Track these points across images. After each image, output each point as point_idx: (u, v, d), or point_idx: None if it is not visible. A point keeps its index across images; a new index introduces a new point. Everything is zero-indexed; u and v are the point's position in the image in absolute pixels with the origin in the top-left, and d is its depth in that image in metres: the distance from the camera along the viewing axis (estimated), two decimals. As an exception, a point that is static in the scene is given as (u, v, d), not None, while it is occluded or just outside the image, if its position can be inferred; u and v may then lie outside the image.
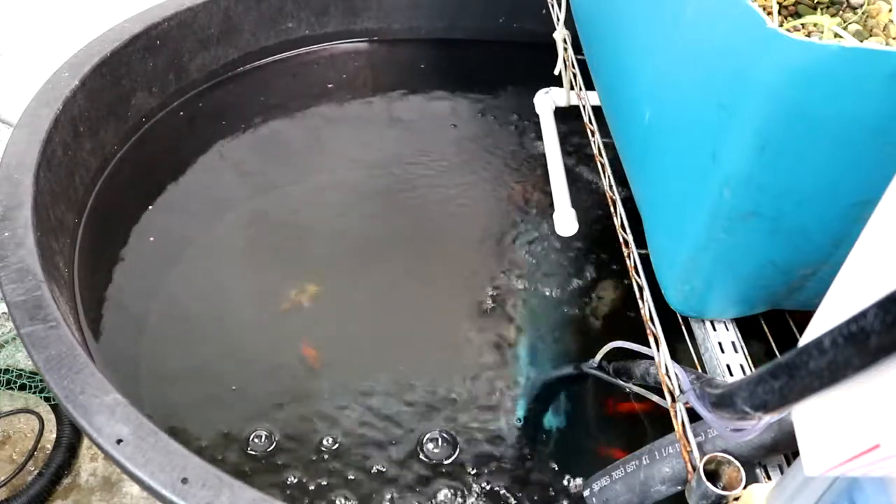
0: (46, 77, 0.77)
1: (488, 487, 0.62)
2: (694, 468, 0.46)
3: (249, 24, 1.03)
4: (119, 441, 0.45)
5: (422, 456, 0.64)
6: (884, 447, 0.20)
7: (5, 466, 0.96)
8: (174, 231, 0.83)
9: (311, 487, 0.61)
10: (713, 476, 0.45)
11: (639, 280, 0.58)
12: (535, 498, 0.61)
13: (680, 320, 0.60)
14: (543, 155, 0.95)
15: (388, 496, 0.61)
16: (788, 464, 0.50)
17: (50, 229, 0.66)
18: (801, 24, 0.47)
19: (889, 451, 0.20)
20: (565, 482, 0.62)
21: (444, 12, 1.15)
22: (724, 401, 0.30)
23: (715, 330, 0.59)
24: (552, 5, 0.92)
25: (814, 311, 0.26)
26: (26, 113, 0.72)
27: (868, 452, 0.21)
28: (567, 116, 1.01)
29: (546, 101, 1.02)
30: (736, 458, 0.45)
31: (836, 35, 0.44)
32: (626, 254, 0.61)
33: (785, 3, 0.49)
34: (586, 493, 0.57)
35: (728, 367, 0.56)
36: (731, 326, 0.59)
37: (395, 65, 1.16)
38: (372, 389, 0.69)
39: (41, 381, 1.02)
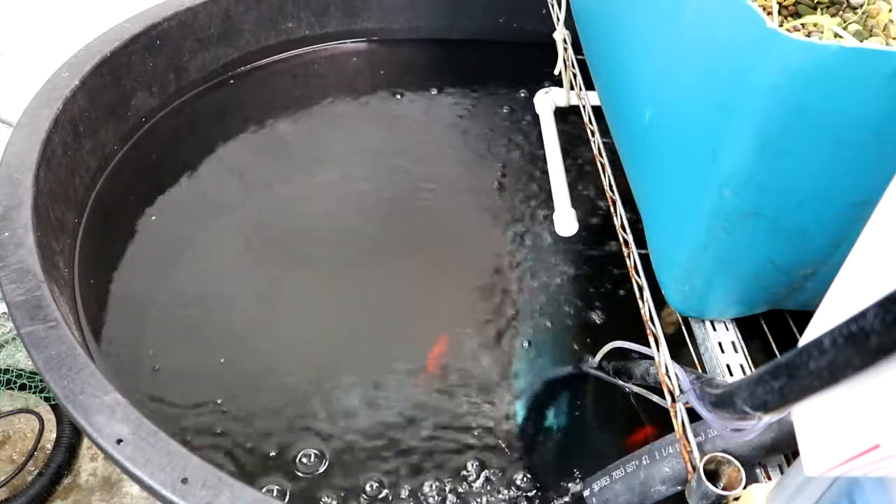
0: (46, 77, 0.77)
1: (487, 488, 0.62)
2: (694, 468, 0.46)
3: (249, 24, 1.03)
4: (119, 441, 0.45)
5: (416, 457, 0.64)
6: (884, 447, 0.20)
7: (5, 466, 0.96)
8: (175, 231, 0.83)
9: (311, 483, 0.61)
10: (713, 476, 0.45)
11: (639, 280, 0.58)
12: (535, 498, 0.61)
13: (680, 320, 0.60)
14: (543, 155, 0.95)
15: (384, 493, 0.61)
16: (788, 464, 0.50)
17: (50, 229, 0.66)
18: (801, 24, 0.47)
19: (889, 451, 0.20)
20: (565, 482, 0.62)
21: (444, 12, 1.15)
22: (724, 401, 0.30)
23: (715, 330, 0.59)
24: (552, 5, 0.92)
25: (814, 311, 0.26)
26: (26, 113, 0.72)
27: (868, 452, 0.21)
28: (567, 116, 1.01)
29: (546, 101, 1.02)
30: (736, 458, 0.45)
31: (836, 35, 0.44)
32: (626, 254, 0.61)
33: (785, 3, 0.49)
34: (586, 493, 0.57)
35: (728, 367, 0.56)
36: (731, 326, 0.59)
37: (395, 65, 1.16)
38: (370, 388, 0.69)
39: (41, 381, 1.02)
